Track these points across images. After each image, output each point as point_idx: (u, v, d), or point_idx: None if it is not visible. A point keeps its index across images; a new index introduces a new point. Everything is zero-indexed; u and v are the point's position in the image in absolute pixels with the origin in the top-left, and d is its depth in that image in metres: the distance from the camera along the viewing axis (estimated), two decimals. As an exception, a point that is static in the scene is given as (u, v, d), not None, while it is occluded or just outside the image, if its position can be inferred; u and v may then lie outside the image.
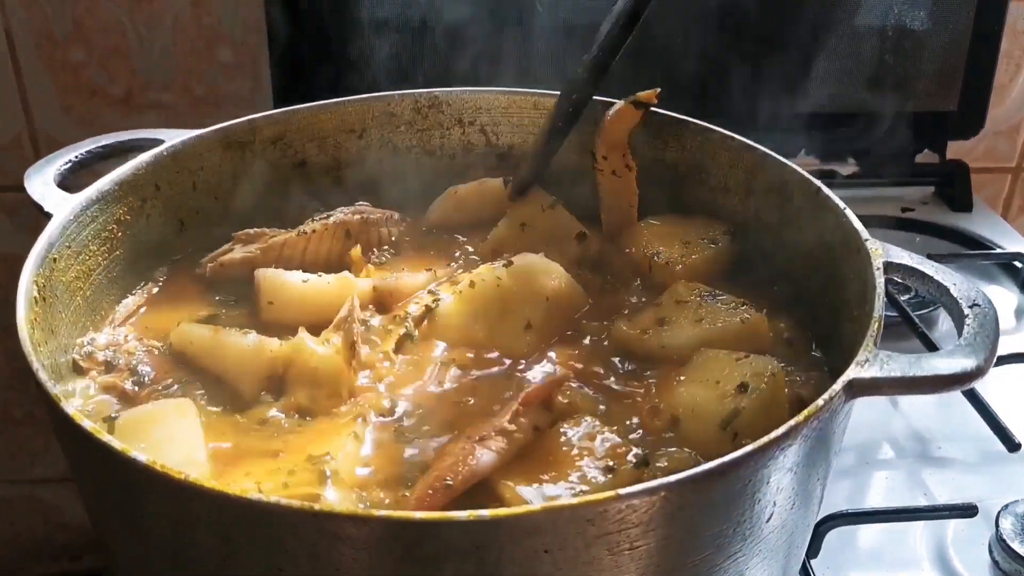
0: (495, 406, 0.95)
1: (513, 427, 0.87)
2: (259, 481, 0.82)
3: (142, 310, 1.11)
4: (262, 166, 1.25)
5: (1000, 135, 1.97)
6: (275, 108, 1.60)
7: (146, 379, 0.98)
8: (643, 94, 1.11)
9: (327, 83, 1.58)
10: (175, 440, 0.87)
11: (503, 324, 1.06)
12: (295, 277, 1.10)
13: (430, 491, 0.81)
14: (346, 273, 1.12)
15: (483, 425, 0.88)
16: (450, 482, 0.81)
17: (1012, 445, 1.25)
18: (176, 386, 0.98)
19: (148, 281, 1.15)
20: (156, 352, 1.03)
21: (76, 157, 1.15)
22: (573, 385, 0.99)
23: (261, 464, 0.86)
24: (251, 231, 1.18)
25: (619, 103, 1.14)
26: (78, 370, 0.98)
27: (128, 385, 0.97)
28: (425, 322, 1.06)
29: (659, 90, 1.11)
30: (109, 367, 0.99)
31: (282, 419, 0.94)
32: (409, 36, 1.60)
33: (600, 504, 0.69)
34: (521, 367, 1.03)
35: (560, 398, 0.95)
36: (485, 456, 0.83)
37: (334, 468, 0.84)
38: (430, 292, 1.11)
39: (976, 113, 1.80)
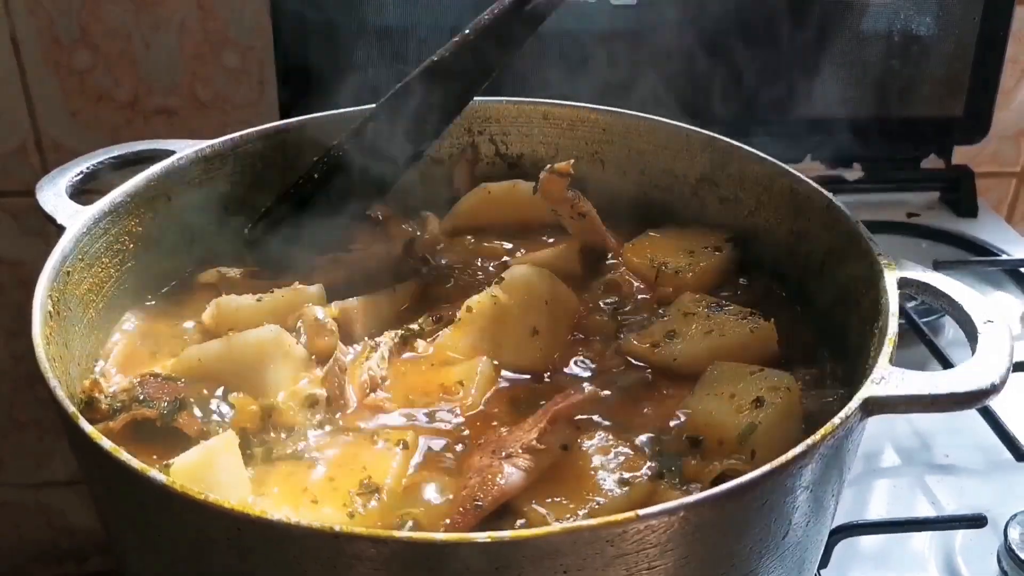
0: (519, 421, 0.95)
1: (542, 445, 0.86)
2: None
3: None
4: (272, 175, 1.25)
5: (1005, 140, 1.97)
6: (280, 113, 1.62)
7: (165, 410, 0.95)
8: (559, 166, 1.12)
9: (333, 88, 1.58)
10: (233, 480, 0.86)
11: (509, 337, 1.06)
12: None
13: (460, 510, 0.81)
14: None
15: (508, 440, 0.88)
16: (480, 503, 0.81)
17: (1020, 454, 1.26)
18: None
19: (154, 295, 1.15)
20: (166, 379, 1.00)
21: (87, 168, 1.15)
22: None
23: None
24: (233, 275, 1.17)
25: (542, 173, 1.14)
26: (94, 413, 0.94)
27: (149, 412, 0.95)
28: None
29: (573, 161, 1.13)
30: (122, 409, 0.95)
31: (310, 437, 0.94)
32: (416, 43, 1.60)
33: (619, 525, 0.70)
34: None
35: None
36: (514, 476, 0.83)
37: (383, 492, 0.85)
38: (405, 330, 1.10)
39: (982, 118, 1.80)
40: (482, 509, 0.81)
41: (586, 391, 0.94)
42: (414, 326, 1.09)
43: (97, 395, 0.93)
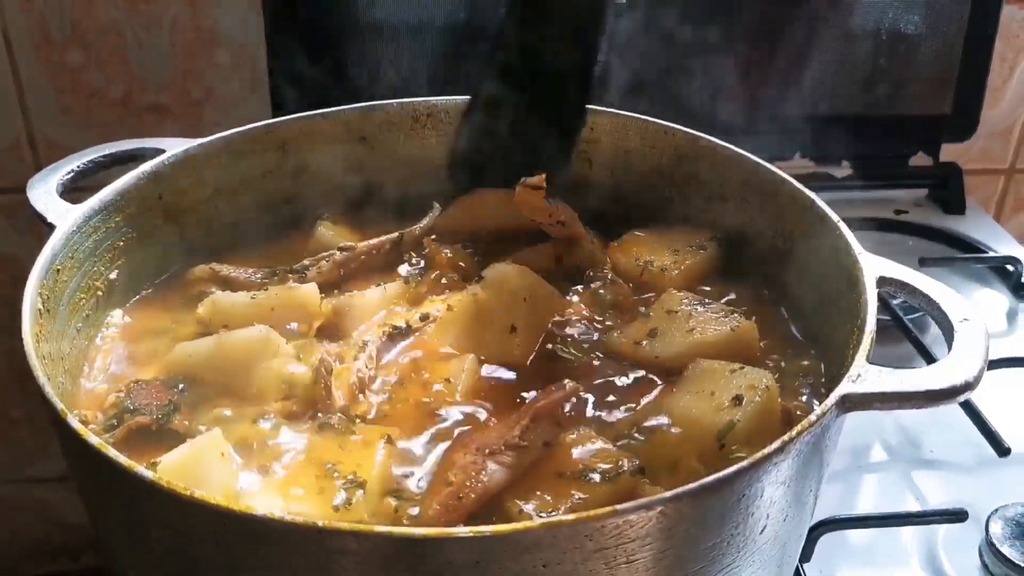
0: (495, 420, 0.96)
1: (524, 443, 0.87)
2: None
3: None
4: (263, 174, 1.26)
5: (994, 137, 1.98)
6: (272, 111, 1.63)
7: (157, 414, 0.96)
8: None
9: (324, 86, 1.59)
10: (220, 477, 0.87)
11: (489, 334, 1.07)
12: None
13: (444, 506, 0.82)
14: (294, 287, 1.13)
15: (492, 437, 0.89)
16: (464, 500, 0.83)
17: (1002, 450, 1.27)
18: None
19: (143, 293, 1.16)
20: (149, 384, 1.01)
21: (78, 167, 1.15)
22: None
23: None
24: (226, 272, 1.17)
25: (517, 187, 1.16)
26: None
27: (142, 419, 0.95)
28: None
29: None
30: (117, 424, 0.95)
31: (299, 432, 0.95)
32: (407, 40, 1.61)
33: (598, 520, 0.71)
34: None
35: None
36: (498, 473, 0.84)
37: (367, 487, 0.86)
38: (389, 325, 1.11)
39: (970, 116, 1.82)
40: (465, 505, 0.82)
41: (568, 388, 0.95)
42: (401, 324, 1.10)
43: (89, 424, 0.93)
